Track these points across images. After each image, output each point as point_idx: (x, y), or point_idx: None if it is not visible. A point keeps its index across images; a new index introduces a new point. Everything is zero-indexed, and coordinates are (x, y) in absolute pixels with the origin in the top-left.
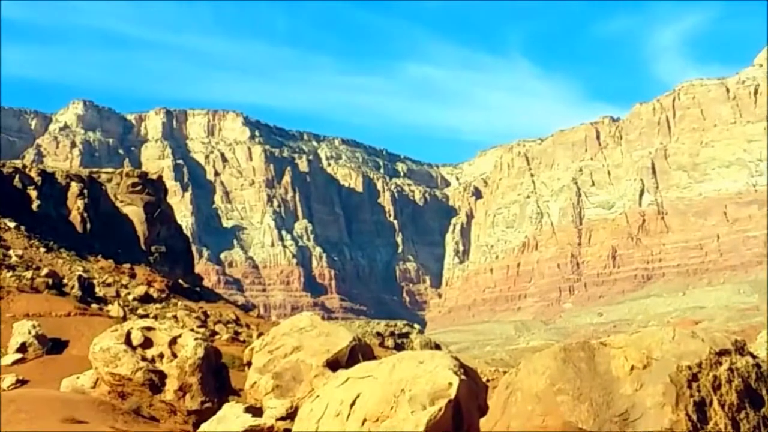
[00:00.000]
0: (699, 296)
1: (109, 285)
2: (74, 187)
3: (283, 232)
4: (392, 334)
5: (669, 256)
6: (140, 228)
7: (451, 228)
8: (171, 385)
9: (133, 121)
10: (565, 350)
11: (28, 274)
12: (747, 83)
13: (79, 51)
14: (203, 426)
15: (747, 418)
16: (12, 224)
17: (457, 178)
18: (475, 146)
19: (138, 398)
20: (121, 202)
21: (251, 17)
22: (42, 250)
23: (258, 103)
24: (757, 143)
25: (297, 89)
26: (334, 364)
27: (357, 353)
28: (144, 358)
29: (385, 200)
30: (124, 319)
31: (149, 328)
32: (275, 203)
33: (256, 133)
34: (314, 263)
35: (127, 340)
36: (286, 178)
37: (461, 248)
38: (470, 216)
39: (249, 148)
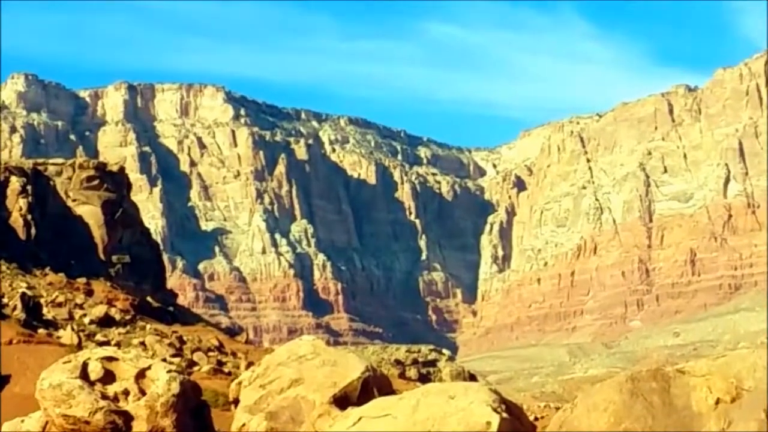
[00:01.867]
0: None
1: (59, 305)
2: (15, 182)
3: (277, 236)
4: (415, 362)
5: (762, 260)
6: (98, 233)
7: (487, 228)
8: (139, 429)
9: (88, 99)
10: (633, 380)
11: None
12: None
13: (17, 13)
14: None
15: None
16: None
17: (495, 166)
18: (516, 125)
19: None
20: (74, 200)
21: None
22: None
23: (243, 74)
24: None
25: (292, 57)
26: (342, 401)
27: (371, 387)
28: (104, 396)
29: (404, 194)
30: (80, 347)
31: (111, 359)
32: (266, 200)
33: (242, 111)
34: (316, 274)
35: (84, 374)
36: (280, 168)
37: (500, 253)
38: (511, 213)
39: (233, 131)
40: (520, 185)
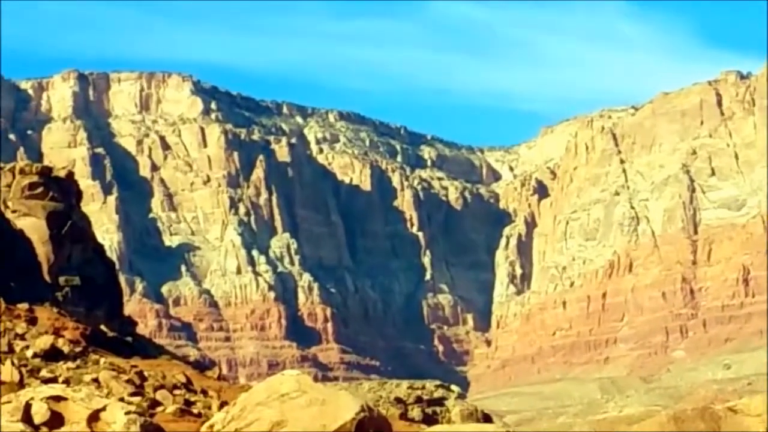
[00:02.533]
0: None
1: None
2: None
3: (255, 253)
4: (419, 400)
5: None
6: (42, 250)
7: (503, 242)
8: None
9: (30, 92)
10: (677, 421)
11: None
12: None
13: None
14: None
15: None
16: None
17: (512, 168)
18: (537, 120)
19: None
20: (14, 212)
21: None
22: None
23: (214, 61)
24: None
25: (272, 40)
26: None
27: (367, 430)
28: None
29: (405, 202)
30: (21, 385)
31: (58, 399)
32: (242, 210)
33: (213, 105)
34: (301, 298)
35: (26, 417)
36: (258, 173)
37: (519, 272)
38: (531, 224)
39: (202, 128)
40: (541, 191)
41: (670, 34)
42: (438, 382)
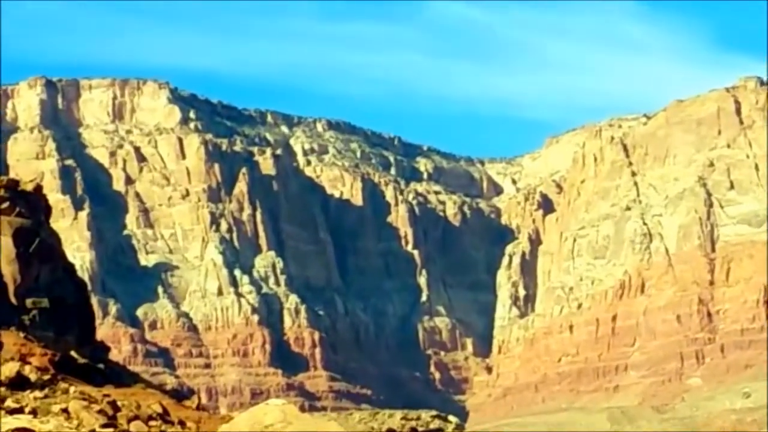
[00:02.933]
0: None
1: None
2: None
3: (237, 273)
4: (414, 431)
5: None
6: (8, 270)
7: (505, 261)
8: None
9: None
10: None
11: None
12: None
13: None
14: None
15: None
16: None
17: (515, 181)
18: (542, 129)
19: None
20: None
21: None
22: None
23: (193, 66)
24: None
25: (256, 43)
26: None
27: None
28: None
29: (400, 218)
30: None
31: (25, 431)
32: (223, 226)
33: (191, 114)
34: (287, 321)
35: None
36: (241, 186)
37: (522, 293)
38: (536, 241)
39: (180, 139)
40: (546, 206)
41: (684, 37)
42: (434, 412)
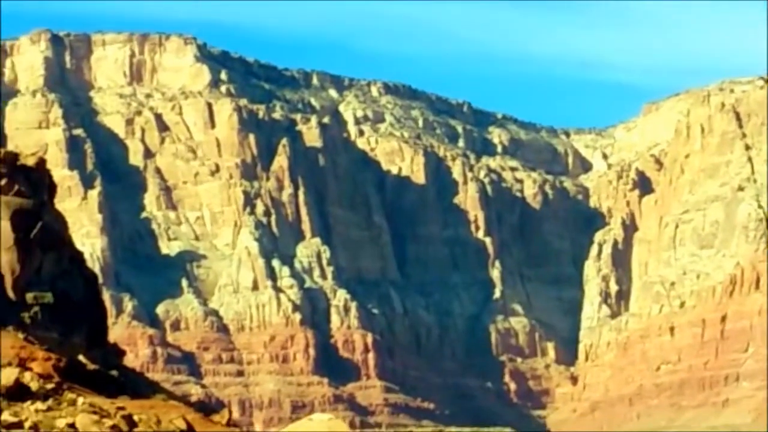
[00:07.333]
0: None
1: None
2: None
3: (276, 264)
4: None
5: None
6: (5, 258)
7: (594, 251)
8: None
9: None
10: None
11: None
12: None
13: None
14: None
15: None
16: None
17: (606, 156)
18: (638, 95)
19: None
20: None
21: None
22: None
23: (224, 20)
24: None
25: None
26: None
27: None
28: None
29: (469, 199)
30: None
31: None
32: (259, 208)
33: (223, 75)
34: (335, 321)
35: None
36: (281, 161)
37: (614, 289)
38: (631, 227)
39: (209, 104)
40: (643, 185)
41: None
42: (509, 430)
